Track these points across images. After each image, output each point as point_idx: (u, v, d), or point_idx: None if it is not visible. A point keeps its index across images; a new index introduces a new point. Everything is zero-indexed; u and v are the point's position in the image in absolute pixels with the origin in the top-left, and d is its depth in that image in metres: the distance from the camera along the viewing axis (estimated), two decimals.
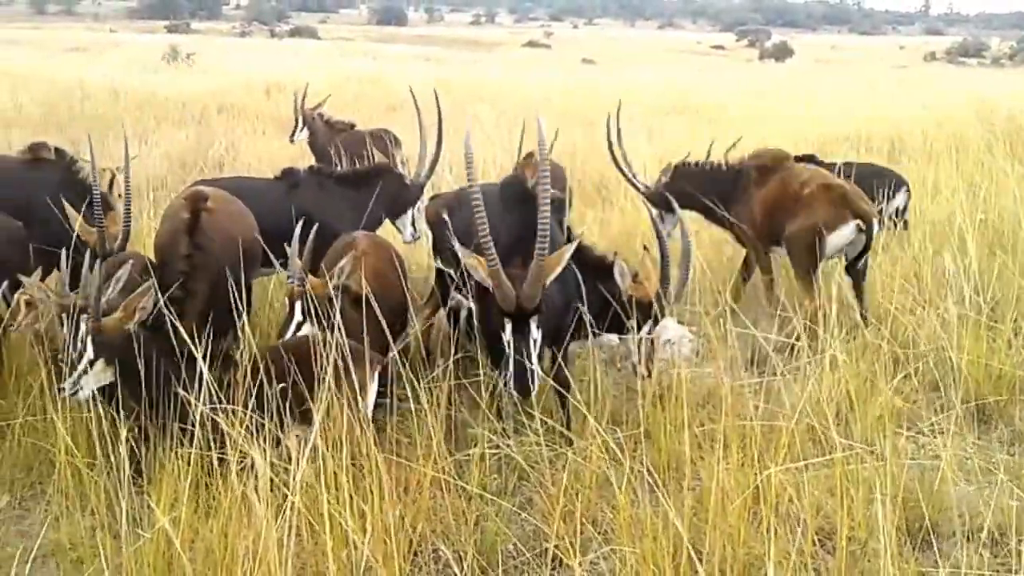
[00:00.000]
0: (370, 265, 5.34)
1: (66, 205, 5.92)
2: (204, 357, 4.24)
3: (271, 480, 3.76)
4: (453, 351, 5.05)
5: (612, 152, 7.80)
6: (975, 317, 5.79)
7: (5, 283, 5.31)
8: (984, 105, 14.54)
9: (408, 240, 7.30)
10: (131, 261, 5.09)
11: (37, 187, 6.18)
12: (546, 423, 4.84)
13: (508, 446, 4.68)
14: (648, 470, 4.45)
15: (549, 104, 17.58)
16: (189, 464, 4.03)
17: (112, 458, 4.09)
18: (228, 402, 4.25)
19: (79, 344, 4.46)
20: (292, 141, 11.52)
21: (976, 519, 4.20)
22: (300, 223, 5.29)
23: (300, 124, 11.28)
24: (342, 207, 6.86)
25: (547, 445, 4.62)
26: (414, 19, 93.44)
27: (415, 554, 4.17)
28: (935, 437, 4.73)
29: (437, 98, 6.92)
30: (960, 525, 4.15)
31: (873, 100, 17.97)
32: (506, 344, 4.70)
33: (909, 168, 9.91)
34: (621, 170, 7.78)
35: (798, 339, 5.12)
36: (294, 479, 3.71)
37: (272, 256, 5.39)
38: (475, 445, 4.69)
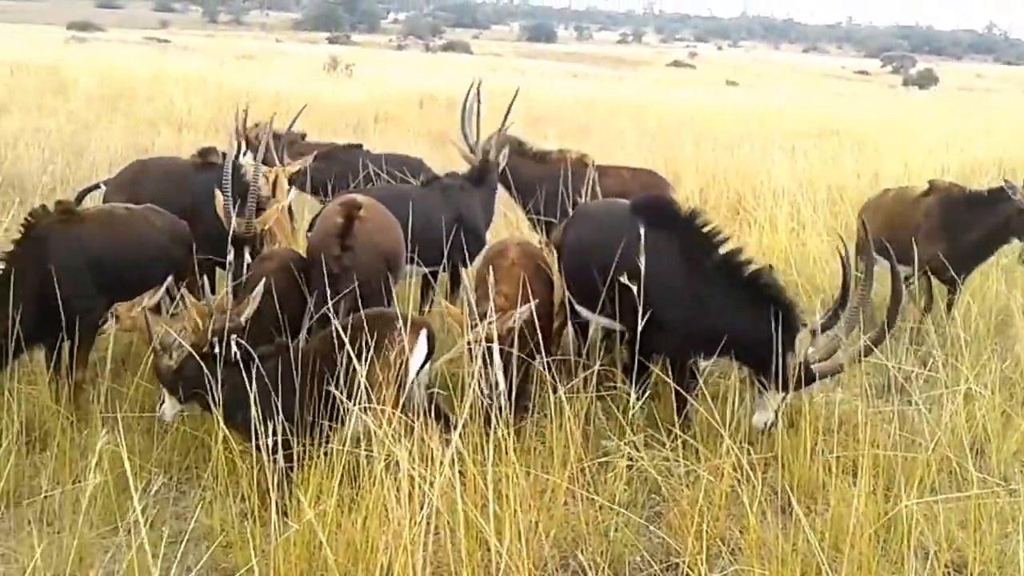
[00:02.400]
0: (518, 276, 5.50)
1: (219, 201, 6.24)
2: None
3: (413, 480, 3.93)
4: (597, 362, 5.21)
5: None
6: None
7: (170, 277, 5.69)
8: None
9: None
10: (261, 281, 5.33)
11: (204, 189, 6.54)
12: (679, 438, 4.93)
13: (641, 459, 4.78)
14: (778, 492, 4.50)
15: (691, 123, 17.57)
16: (337, 460, 4.26)
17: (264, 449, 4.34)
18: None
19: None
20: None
21: None
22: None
23: (242, 147, 9.51)
24: (478, 210, 7.43)
25: (679, 460, 4.71)
26: (563, 36, 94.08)
27: (547, 560, 4.28)
28: None
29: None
30: None
31: (1019, 129, 17.38)
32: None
33: None
34: None
35: (933, 369, 5.08)
36: (434, 481, 3.88)
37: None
38: (607, 455, 4.81)
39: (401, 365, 4.59)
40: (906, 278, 7.16)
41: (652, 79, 38.75)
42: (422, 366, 4.80)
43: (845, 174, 11.97)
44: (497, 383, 4.93)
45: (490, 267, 5.68)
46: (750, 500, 4.17)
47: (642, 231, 5.37)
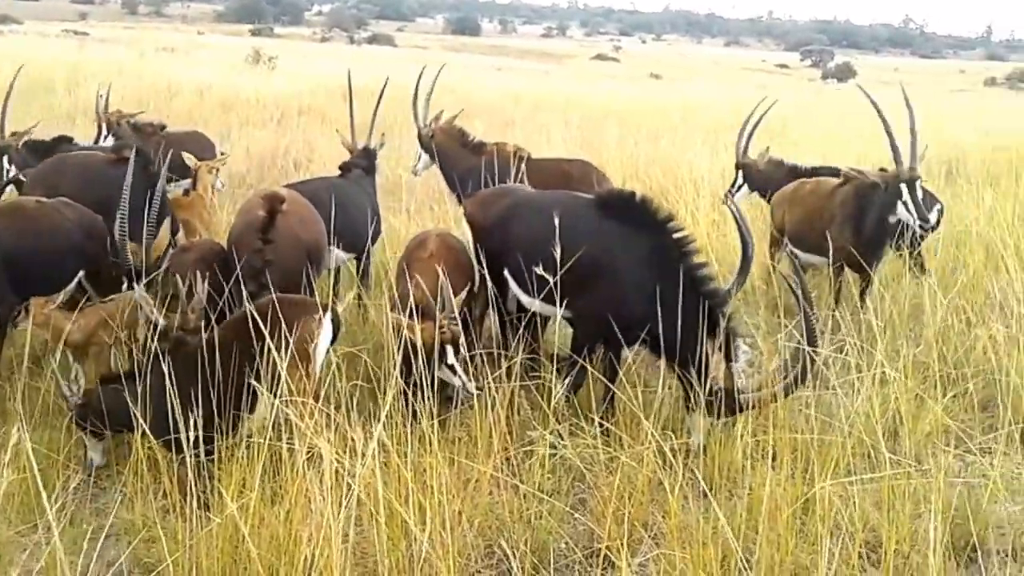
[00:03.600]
0: (436, 268, 5.49)
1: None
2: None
3: (336, 471, 3.93)
4: (520, 351, 5.24)
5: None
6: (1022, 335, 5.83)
7: (83, 272, 5.59)
8: None
9: None
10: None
11: (119, 185, 6.42)
12: (602, 426, 4.99)
13: (564, 447, 4.82)
14: (700, 477, 4.57)
15: (615, 116, 17.68)
16: (258, 453, 4.23)
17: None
18: None
19: None
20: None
21: (1021, 538, 4.25)
22: None
23: (103, 130, 10.13)
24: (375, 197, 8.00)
25: (602, 448, 4.76)
26: (488, 30, 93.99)
27: (470, 548, 4.31)
28: (983, 456, 4.78)
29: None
30: (1004, 544, 4.22)
31: (932, 123, 17.80)
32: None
33: (966, 190, 9.88)
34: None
35: (848, 354, 5.20)
36: (357, 471, 3.88)
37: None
38: (531, 444, 4.84)
39: (307, 349, 4.60)
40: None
41: (577, 72, 38.98)
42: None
43: None
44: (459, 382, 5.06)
45: (410, 258, 5.69)
46: (671, 486, 4.23)
47: (605, 222, 5.50)
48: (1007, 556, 4.15)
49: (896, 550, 4.17)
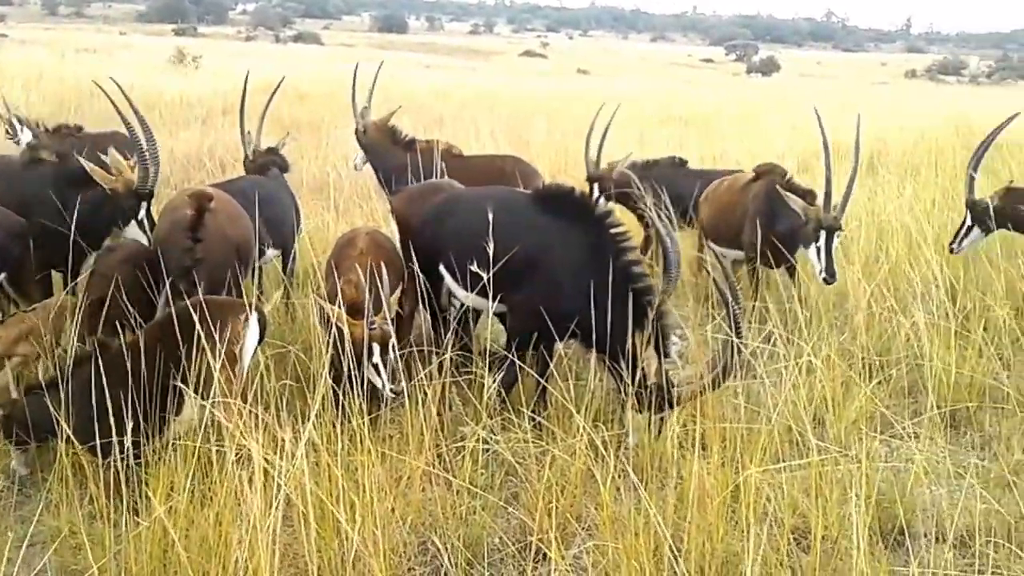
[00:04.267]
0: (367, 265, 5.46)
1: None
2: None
3: (265, 471, 3.88)
4: (448, 348, 5.23)
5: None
6: (946, 325, 5.97)
7: (4, 274, 5.45)
8: (962, 122, 14.79)
9: None
10: None
11: (34, 188, 6.28)
12: (534, 420, 5.00)
13: (496, 442, 4.83)
14: (631, 468, 4.60)
15: (543, 111, 17.74)
16: (187, 455, 4.17)
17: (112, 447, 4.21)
18: None
19: None
20: (16, 143, 10.32)
21: (946, 521, 4.34)
22: None
23: (20, 126, 10.21)
24: None
25: (534, 442, 4.77)
26: (415, 27, 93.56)
27: (404, 545, 4.29)
28: (908, 441, 4.88)
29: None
30: (930, 526, 4.31)
31: (855, 114, 18.17)
32: None
33: (888, 180, 10.08)
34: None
35: (776, 344, 5.27)
36: (286, 471, 3.84)
37: None
38: (464, 440, 4.84)
39: (234, 350, 4.55)
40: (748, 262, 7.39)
41: (505, 69, 39.04)
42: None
43: (690, 158, 12.28)
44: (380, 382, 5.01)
45: (340, 256, 5.65)
46: (603, 478, 4.25)
47: (542, 218, 5.55)
48: (933, 539, 4.23)
49: (824, 535, 4.24)
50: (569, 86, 28.53)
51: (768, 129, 16.31)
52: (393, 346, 5.03)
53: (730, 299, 5.02)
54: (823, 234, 6.61)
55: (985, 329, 6.31)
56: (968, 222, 7.32)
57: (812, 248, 6.69)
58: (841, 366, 5.50)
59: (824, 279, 6.62)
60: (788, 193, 6.79)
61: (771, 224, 7.07)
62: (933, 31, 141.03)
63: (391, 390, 4.97)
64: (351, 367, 4.80)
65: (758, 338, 5.70)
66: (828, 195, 6.62)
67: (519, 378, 5.54)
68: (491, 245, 5.26)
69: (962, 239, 7.32)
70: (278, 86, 8.86)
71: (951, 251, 7.39)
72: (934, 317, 6.12)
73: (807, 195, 7.01)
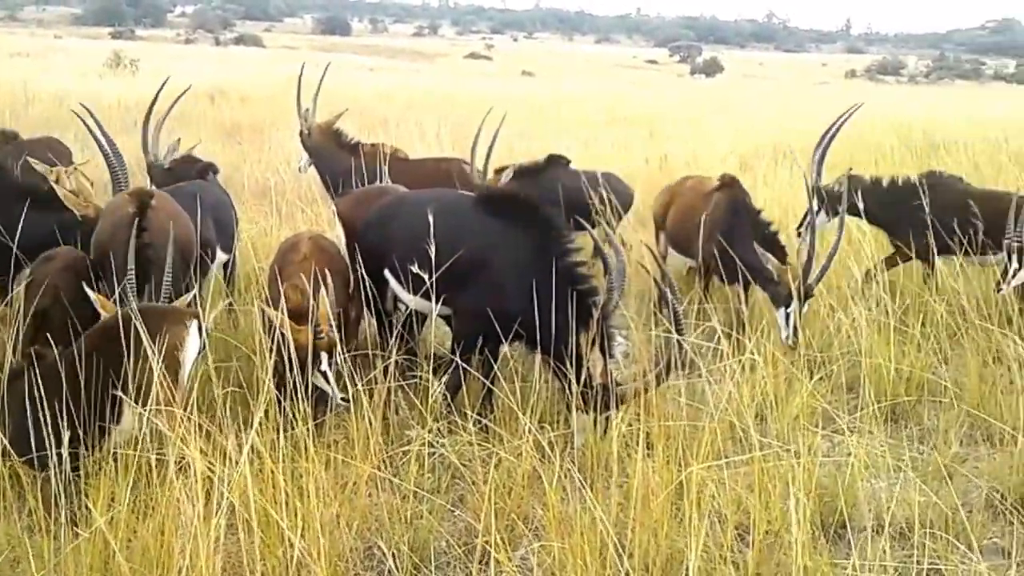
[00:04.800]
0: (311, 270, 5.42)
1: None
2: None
3: (208, 479, 3.85)
4: (393, 351, 5.22)
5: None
6: (885, 321, 6.08)
7: None
8: (901, 121, 15.07)
9: None
10: None
11: None
12: (479, 423, 5.00)
13: (442, 445, 4.82)
14: (577, 468, 4.62)
15: (489, 113, 17.73)
16: (127, 465, 4.11)
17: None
18: None
19: None
20: None
21: (885, 513, 4.42)
22: None
23: None
24: None
25: (480, 444, 4.77)
26: (358, 29, 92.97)
27: (349, 551, 4.26)
28: (849, 435, 4.95)
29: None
30: (870, 519, 4.38)
31: (797, 114, 18.49)
32: None
33: (829, 179, 10.20)
34: None
35: (719, 342, 5.33)
36: (229, 479, 3.80)
37: None
38: (409, 444, 4.82)
39: (176, 357, 4.50)
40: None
41: (450, 71, 39.00)
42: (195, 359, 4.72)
43: (635, 159, 12.40)
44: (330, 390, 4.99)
45: (283, 261, 5.61)
46: (549, 478, 4.27)
47: (487, 220, 5.56)
48: (874, 531, 4.29)
49: (767, 530, 4.29)
50: (514, 88, 28.59)
51: (711, 130, 16.47)
52: (342, 355, 5.01)
53: (671, 297, 5.07)
54: (795, 303, 6.38)
55: (923, 324, 6.43)
56: (815, 207, 7.45)
57: (782, 311, 6.48)
58: (783, 363, 5.56)
59: (790, 344, 6.34)
60: (764, 252, 6.60)
61: (730, 241, 6.83)
62: (872, 32, 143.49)
63: (341, 398, 4.94)
64: (295, 373, 4.76)
65: (701, 336, 5.75)
66: (809, 263, 6.43)
67: (464, 381, 5.54)
68: (432, 247, 5.27)
69: (808, 224, 7.26)
70: (182, 94, 8.86)
71: (798, 235, 7.57)
72: (873, 313, 6.22)
73: (779, 251, 6.82)
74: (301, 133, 9.47)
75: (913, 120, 15.00)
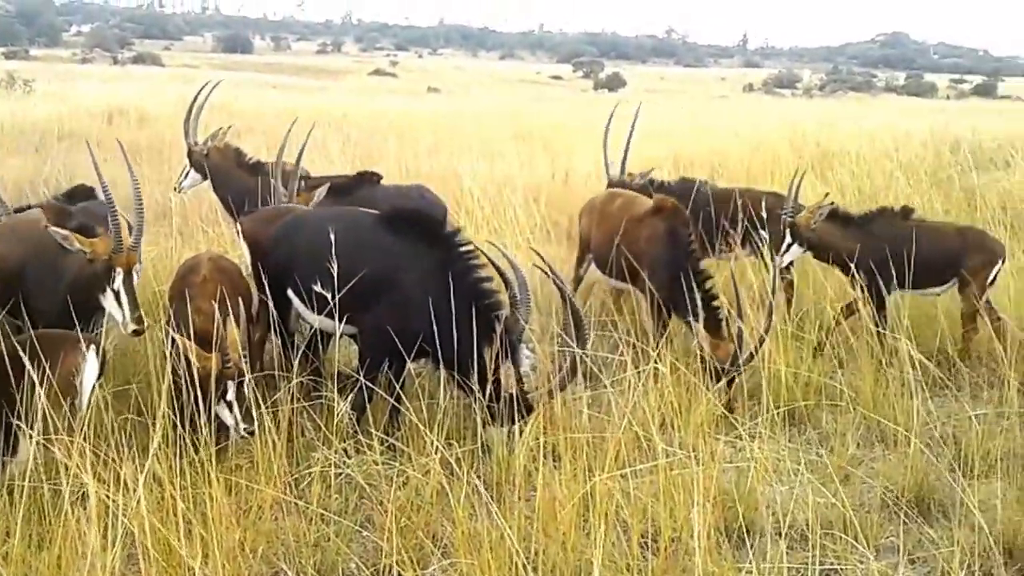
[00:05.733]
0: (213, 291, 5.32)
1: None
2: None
3: (105, 508, 3.75)
4: (295, 373, 5.16)
5: None
6: (783, 328, 6.22)
7: None
8: (796, 132, 15.50)
9: None
10: None
11: None
12: (385, 442, 4.97)
13: (347, 465, 4.78)
14: (484, 484, 4.62)
15: (394, 130, 17.71)
16: (22, 496, 3.99)
17: None
18: None
19: None
20: None
21: (786, 516, 4.51)
22: None
23: None
24: None
25: (387, 463, 4.74)
26: (260, 47, 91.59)
27: None
28: (751, 441, 5.05)
29: None
30: (774, 523, 4.47)
31: (697, 127, 18.84)
32: None
33: None
34: None
35: (623, 354, 5.39)
36: (126, 508, 3.72)
37: None
38: (314, 465, 4.77)
39: (72, 384, 4.39)
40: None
41: (355, 88, 38.76)
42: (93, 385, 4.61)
43: (540, 174, 12.49)
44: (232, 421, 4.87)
45: (183, 284, 5.50)
46: (457, 495, 4.27)
47: (391, 238, 5.55)
48: (776, 535, 4.38)
49: (673, 537, 4.35)
50: (420, 104, 28.59)
51: (614, 143, 16.63)
52: (248, 383, 4.90)
53: (571, 309, 5.13)
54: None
55: (821, 331, 6.59)
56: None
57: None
58: (686, 372, 5.65)
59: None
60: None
61: (670, 269, 6.52)
62: (769, 46, 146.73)
63: (245, 430, 4.85)
64: (199, 402, 4.66)
65: (607, 348, 5.82)
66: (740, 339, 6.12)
67: (368, 400, 5.50)
68: (335, 266, 5.24)
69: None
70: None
71: None
72: (773, 320, 6.35)
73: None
74: (191, 152, 9.18)
75: (808, 131, 15.47)
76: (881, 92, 53.41)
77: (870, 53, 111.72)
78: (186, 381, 4.75)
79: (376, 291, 5.39)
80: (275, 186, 7.46)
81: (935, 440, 5.47)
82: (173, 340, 4.92)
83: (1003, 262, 7.02)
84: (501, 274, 5.46)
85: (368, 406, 5.52)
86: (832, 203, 7.18)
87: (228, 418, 4.86)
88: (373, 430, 4.91)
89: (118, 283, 4.98)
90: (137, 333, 5.09)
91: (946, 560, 4.25)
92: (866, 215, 7.24)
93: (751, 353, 5.97)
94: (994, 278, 6.95)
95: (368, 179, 8.49)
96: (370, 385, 5.40)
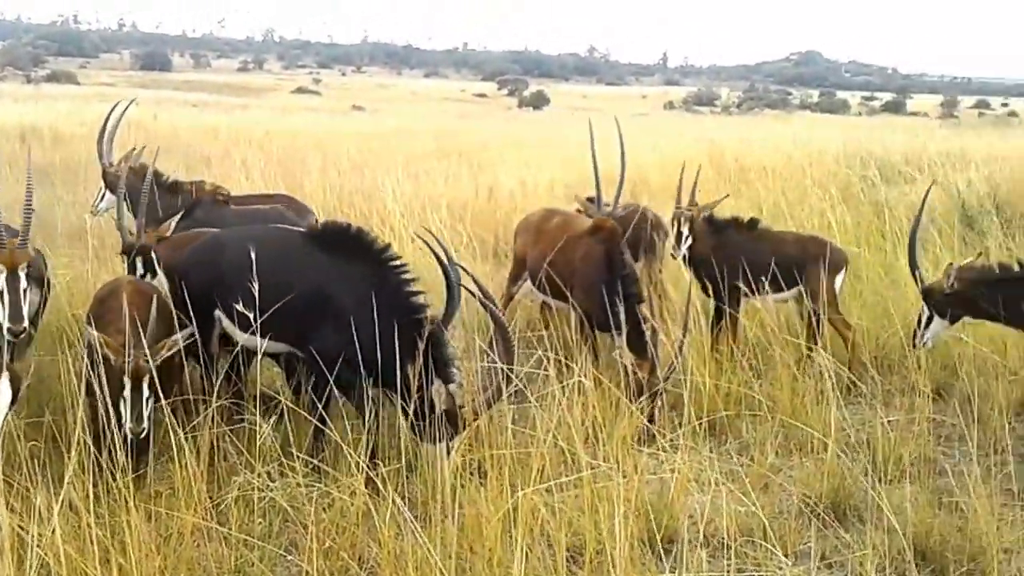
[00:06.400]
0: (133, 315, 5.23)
1: None
2: None
3: (19, 538, 3.68)
4: (215, 397, 5.10)
5: None
6: (702, 340, 6.33)
7: None
8: (715, 148, 15.77)
9: None
10: None
11: None
12: (310, 463, 4.94)
13: (271, 488, 4.73)
14: (408, 503, 4.62)
15: (318, 148, 17.62)
16: None
17: None
18: None
19: None
20: None
21: (709, 525, 4.59)
22: None
23: None
24: None
25: (311, 485, 4.71)
26: (180, 64, 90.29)
27: None
28: (673, 452, 5.12)
29: None
30: (697, 532, 4.53)
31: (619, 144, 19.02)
32: None
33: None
34: None
35: (546, 370, 5.42)
36: (40, 537, 3.65)
37: None
38: (236, 490, 4.72)
39: None
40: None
41: (277, 106, 38.44)
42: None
43: (465, 191, 12.53)
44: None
45: (101, 308, 5.41)
46: (383, 515, 4.26)
47: (319, 255, 5.54)
48: (697, 544, 4.44)
49: (598, 550, 4.38)
50: (344, 122, 28.49)
51: (538, 160, 16.77)
52: (151, 385, 4.81)
53: (498, 326, 5.16)
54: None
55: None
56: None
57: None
58: (609, 386, 5.71)
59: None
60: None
61: (608, 293, 6.38)
62: (688, 64, 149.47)
63: (130, 429, 4.71)
64: (104, 394, 4.58)
65: (530, 363, 5.85)
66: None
67: (292, 421, 5.45)
68: (255, 285, 5.21)
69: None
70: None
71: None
72: (692, 333, 6.45)
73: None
74: (106, 172, 8.96)
75: (725, 147, 15.76)
76: (796, 109, 54.65)
77: (785, 71, 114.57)
78: (103, 403, 4.66)
79: (308, 309, 5.35)
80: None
81: (850, 446, 5.61)
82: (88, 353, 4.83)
83: (846, 271, 7.35)
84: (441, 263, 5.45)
85: (290, 427, 5.47)
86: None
87: (122, 413, 4.73)
88: (295, 451, 4.87)
89: (1, 282, 4.84)
90: (15, 335, 4.92)
91: (860, 563, 4.36)
92: (723, 222, 7.56)
93: (671, 366, 6.06)
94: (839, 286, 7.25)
95: (219, 199, 8.20)
96: (293, 407, 5.35)
